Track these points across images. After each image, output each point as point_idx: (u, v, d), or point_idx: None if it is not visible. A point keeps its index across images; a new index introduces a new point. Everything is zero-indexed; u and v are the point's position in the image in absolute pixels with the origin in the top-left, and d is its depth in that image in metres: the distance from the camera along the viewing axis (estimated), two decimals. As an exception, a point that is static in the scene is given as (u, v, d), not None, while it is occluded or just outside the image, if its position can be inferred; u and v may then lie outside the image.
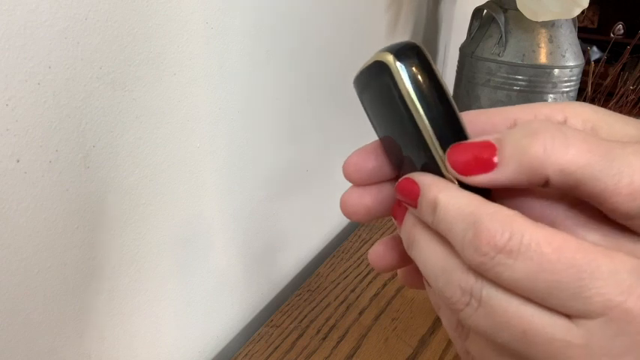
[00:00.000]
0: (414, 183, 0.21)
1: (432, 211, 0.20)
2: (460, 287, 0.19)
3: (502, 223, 0.18)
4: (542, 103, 0.22)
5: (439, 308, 0.24)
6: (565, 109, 0.21)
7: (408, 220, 0.22)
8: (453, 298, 0.20)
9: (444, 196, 0.20)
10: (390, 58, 0.20)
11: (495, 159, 0.19)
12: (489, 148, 0.19)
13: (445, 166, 0.20)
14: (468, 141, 0.20)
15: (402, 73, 0.20)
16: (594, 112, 0.21)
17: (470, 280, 0.19)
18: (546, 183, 0.18)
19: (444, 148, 0.20)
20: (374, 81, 0.21)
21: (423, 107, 0.20)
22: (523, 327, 0.18)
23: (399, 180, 0.22)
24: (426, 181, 0.21)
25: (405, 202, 0.22)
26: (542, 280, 0.17)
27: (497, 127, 0.22)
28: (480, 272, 0.19)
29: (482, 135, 0.20)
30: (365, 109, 0.23)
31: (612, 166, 0.18)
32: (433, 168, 0.21)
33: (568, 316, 0.18)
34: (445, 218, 0.20)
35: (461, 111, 0.22)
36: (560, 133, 0.18)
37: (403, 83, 0.20)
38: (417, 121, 0.20)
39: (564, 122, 0.21)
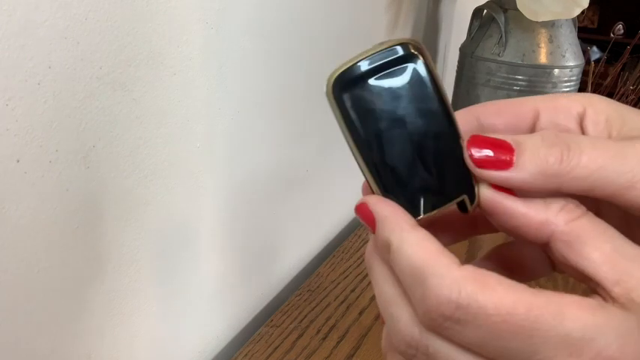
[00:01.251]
0: (370, 212, 0.21)
1: (386, 250, 0.20)
2: (405, 341, 0.20)
3: (450, 289, 0.18)
4: (561, 94, 0.23)
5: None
6: (583, 101, 0.22)
7: (370, 242, 0.23)
8: (400, 348, 0.20)
9: (397, 240, 0.20)
10: (414, 51, 0.20)
11: (513, 159, 0.19)
12: (508, 148, 0.20)
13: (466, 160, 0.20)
14: (489, 135, 0.20)
15: (430, 63, 0.20)
16: (609, 105, 0.22)
17: (415, 335, 0.19)
18: (559, 190, 0.19)
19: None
20: (396, 71, 0.20)
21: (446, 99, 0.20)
22: None
23: (360, 201, 0.22)
24: (381, 214, 0.21)
25: (365, 224, 0.22)
26: (492, 346, 0.18)
27: (522, 118, 0.23)
28: (429, 330, 0.19)
29: (506, 126, 0.22)
30: (350, 110, 0.21)
31: (624, 163, 0.19)
32: (455, 159, 0.21)
33: None
34: (397, 265, 0.20)
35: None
36: (574, 144, 0.19)
37: (435, 72, 0.20)
38: (449, 112, 0.21)
39: (583, 113, 0.22)
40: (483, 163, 0.20)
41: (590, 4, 0.71)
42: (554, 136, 0.19)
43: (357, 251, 0.72)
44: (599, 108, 0.22)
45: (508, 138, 0.20)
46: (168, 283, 0.48)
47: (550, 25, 0.78)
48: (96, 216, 0.38)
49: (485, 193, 0.20)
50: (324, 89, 0.20)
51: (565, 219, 0.19)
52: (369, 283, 0.65)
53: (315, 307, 0.61)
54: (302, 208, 0.69)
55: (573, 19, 0.81)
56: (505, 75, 0.79)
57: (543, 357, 0.17)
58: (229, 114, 0.50)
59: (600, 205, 0.24)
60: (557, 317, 0.17)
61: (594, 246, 0.19)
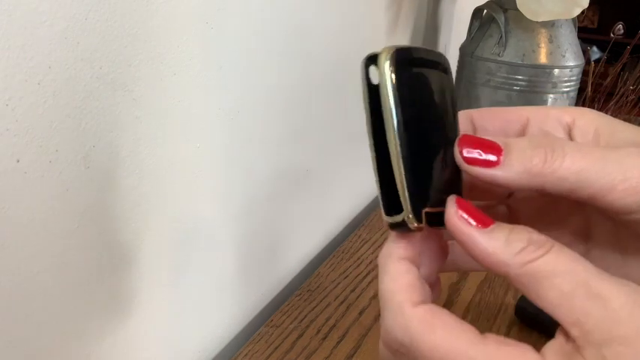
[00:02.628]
0: None
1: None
2: (384, 340, 0.22)
3: (399, 329, 0.20)
4: (553, 107, 0.25)
5: None
6: (573, 112, 0.23)
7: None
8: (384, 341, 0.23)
9: (382, 266, 0.22)
10: (448, 65, 0.23)
11: (501, 159, 0.20)
12: (497, 148, 0.21)
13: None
14: (479, 136, 0.21)
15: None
16: (599, 117, 0.23)
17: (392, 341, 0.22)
18: (543, 189, 0.20)
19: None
20: (430, 69, 0.22)
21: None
22: None
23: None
24: (389, 236, 0.23)
25: None
26: None
27: (512, 124, 0.24)
28: (388, 349, 0.22)
29: (497, 130, 0.23)
30: (402, 87, 0.20)
31: (605, 167, 0.19)
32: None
33: None
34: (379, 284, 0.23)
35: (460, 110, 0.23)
36: (558, 146, 0.20)
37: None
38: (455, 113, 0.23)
39: (572, 123, 0.23)
40: (473, 161, 0.21)
41: (590, 4, 0.71)
42: (541, 138, 0.21)
43: (357, 251, 0.72)
44: (589, 118, 0.23)
45: (497, 139, 0.21)
46: (168, 284, 0.48)
47: (550, 25, 0.78)
48: (96, 216, 0.38)
49: (450, 217, 0.21)
50: (379, 61, 0.20)
51: (522, 262, 0.19)
52: (369, 283, 0.65)
53: (315, 307, 0.61)
54: (302, 209, 0.69)
55: (573, 19, 0.81)
56: (505, 75, 0.79)
57: None
58: (229, 114, 0.50)
59: (590, 218, 0.25)
60: None
61: (551, 286, 0.19)
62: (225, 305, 0.58)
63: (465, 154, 0.21)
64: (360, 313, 0.60)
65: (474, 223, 0.20)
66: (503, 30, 0.79)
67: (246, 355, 0.55)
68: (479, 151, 0.21)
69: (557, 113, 0.23)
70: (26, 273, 0.34)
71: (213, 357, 0.57)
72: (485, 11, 0.84)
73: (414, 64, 0.21)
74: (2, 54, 0.30)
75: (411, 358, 0.20)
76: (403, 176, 0.20)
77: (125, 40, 0.37)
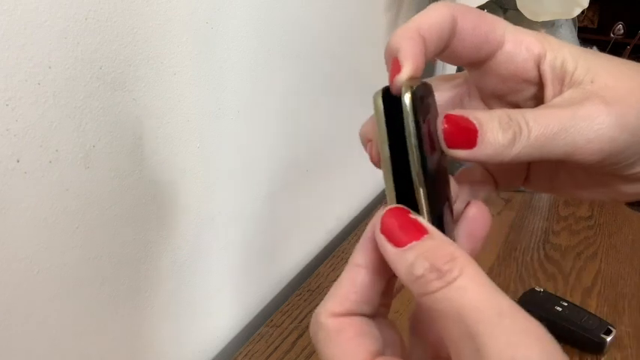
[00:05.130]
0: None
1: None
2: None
3: (311, 330, 0.23)
4: (528, 33, 0.26)
5: None
6: (544, 42, 0.25)
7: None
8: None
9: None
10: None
11: (477, 140, 0.23)
12: (472, 130, 0.23)
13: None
14: (457, 113, 0.23)
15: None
16: (564, 48, 0.25)
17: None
18: (517, 159, 0.23)
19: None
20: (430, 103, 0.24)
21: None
22: None
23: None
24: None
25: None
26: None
27: (489, 42, 0.26)
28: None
29: (471, 45, 0.25)
30: (417, 115, 0.23)
31: (566, 137, 0.22)
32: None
33: None
34: None
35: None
36: (524, 124, 0.23)
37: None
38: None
39: (543, 54, 0.25)
40: (453, 142, 0.23)
41: (590, 4, 0.71)
42: (508, 119, 0.23)
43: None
44: (556, 50, 0.25)
45: (472, 118, 0.23)
46: (168, 284, 0.48)
47: (550, 25, 0.78)
48: (96, 216, 0.38)
49: (375, 230, 0.22)
50: (402, 95, 0.22)
51: (419, 292, 0.20)
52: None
53: (315, 307, 0.61)
54: (302, 208, 0.69)
55: (573, 19, 0.81)
56: (505, 75, 0.79)
57: None
58: (229, 114, 0.50)
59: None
60: None
61: (440, 324, 0.19)
62: (225, 305, 0.58)
63: (447, 137, 0.23)
64: (360, 313, 0.60)
65: (391, 238, 0.21)
66: (503, 30, 0.79)
67: (246, 355, 0.55)
68: (456, 131, 0.23)
69: (531, 41, 0.25)
70: (26, 273, 0.34)
71: (213, 357, 0.57)
72: (485, 11, 0.83)
73: (419, 98, 0.23)
74: (2, 54, 0.30)
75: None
76: (422, 183, 0.23)
77: (125, 40, 0.37)
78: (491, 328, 0.18)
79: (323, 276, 0.67)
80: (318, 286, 0.65)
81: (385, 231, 0.22)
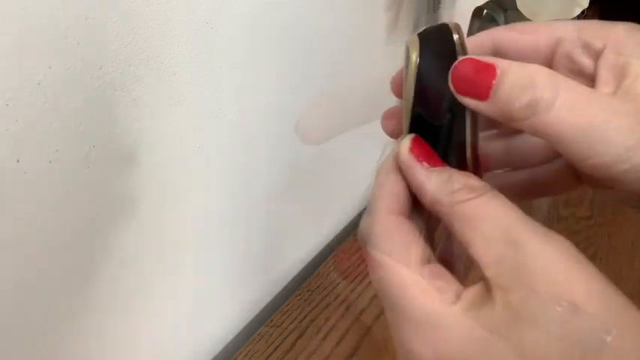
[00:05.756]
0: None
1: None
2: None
3: (365, 229, 0.23)
4: (589, 23, 0.23)
5: None
6: (607, 37, 0.22)
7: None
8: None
9: (377, 177, 0.24)
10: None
11: (490, 93, 0.20)
12: (491, 73, 0.20)
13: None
14: (476, 57, 0.21)
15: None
16: (633, 46, 0.21)
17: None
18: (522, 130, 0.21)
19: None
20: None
21: None
22: None
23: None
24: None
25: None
26: None
27: (541, 46, 0.23)
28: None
29: (522, 55, 0.23)
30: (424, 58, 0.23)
31: (584, 139, 0.19)
32: None
33: None
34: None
35: None
36: (550, 93, 0.19)
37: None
38: None
39: (602, 49, 0.22)
40: (464, 90, 0.21)
41: (590, 4, 0.71)
42: (530, 81, 0.20)
43: (357, 251, 0.72)
44: (620, 49, 0.22)
45: (497, 64, 0.20)
46: (169, 283, 0.48)
47: (550, 25, 0.78)
48: (96, 216, 0.38)
49: (403, 151, 0.22)
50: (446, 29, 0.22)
51: (452, 201, 0.20)
52: (369, 283, 0.65)
53: (315, 307, 0.61)
54: (302, 208, 0.69)
55: (573, 19, 0.81)
56: (505, 75, 0.79)
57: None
58: (229, 114, 0.50)
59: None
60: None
61: (474, 228, 0.19)
62: (225, 305, 0.58)
63: (458, 80, 0.21)
64: (360, 313, 0.60)
65: (421, 160, 0.22)
66: (503, 30, 0.79)
67: (246, 355, 0.55)
68: (472, 76, 0.21)
69: (589, 36, 0.23)
70: (26, 273, 0.34)
71: (214, 357, 0.57)
72: (485, 11, 0.83)
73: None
74: (2, 54, 0.30)
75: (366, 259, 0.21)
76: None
77: (125, 40, 0.37)
78: (534, 231, 0.18)
79: (323, 276, 0.67)
80: (318, 286, 0.65)
81: (419, 152, 0.22)
